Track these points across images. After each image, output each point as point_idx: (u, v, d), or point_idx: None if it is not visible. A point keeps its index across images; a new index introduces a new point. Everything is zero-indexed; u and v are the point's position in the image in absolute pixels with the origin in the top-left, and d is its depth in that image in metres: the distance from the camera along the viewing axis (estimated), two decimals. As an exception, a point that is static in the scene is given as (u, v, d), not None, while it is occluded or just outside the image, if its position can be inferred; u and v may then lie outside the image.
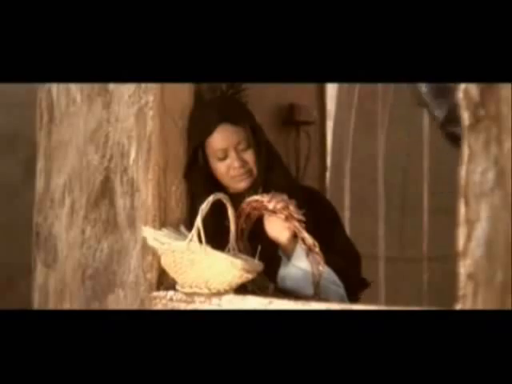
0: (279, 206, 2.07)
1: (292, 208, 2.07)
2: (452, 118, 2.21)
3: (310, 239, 2.05)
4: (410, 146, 4.32)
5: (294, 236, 2.10)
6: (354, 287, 2.21)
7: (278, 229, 2.11)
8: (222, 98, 2.40)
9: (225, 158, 2.23)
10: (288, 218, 2.07)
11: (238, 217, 2.12)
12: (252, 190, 2.21)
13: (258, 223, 2.15)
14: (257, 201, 2.10)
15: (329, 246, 2.13)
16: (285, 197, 2.09)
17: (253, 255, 2.07)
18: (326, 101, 3.65)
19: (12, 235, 4.23)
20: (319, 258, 2.05)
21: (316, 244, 2.05)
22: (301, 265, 2.08)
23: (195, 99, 2.34)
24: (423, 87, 2.23)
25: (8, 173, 4.37)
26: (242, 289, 2.01)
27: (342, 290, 2.13)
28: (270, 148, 2.33)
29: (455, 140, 2.29)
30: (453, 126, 2.22)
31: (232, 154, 2.22)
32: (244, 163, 2.22)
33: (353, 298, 2.18)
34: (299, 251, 2.09)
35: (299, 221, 2.07)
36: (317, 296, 2.06)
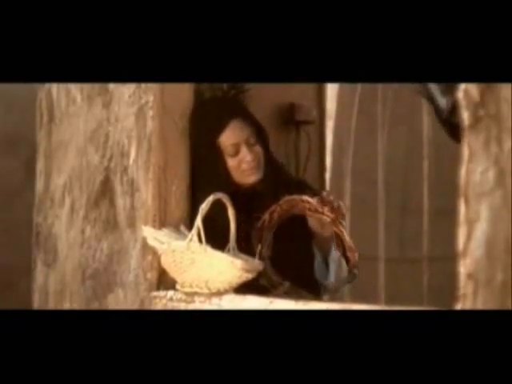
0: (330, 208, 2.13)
1: (343, 210, 2.13)
2: (457, 108, 2.20)
3: (349, 241, 2.12)
4: (411, 146, 4.31)
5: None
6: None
7: (323, 223, 2.16)
8: (229, 96, 2.42)
9: (236, 153, 2.25)
10: (335, 221, 2.12)
11: (272, 211, 2.17)
12: (263, 184, 2.24)
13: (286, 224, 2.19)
14: (303, 201, 2.15)
15: None
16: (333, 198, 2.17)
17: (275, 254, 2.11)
18: (326, 101, 3.65)
19: (12, 235, 4.22)
20: (355, 260, 2.12)
21: (353, 248, 2.12)
22: (335, 260, 2.16)
23: (195, 99, 2.34)
24: None
25: (8, 173, 4.37)
26: (242, 288, 2.01)
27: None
28: None
29: (458, 132, 2.28)
30: (458, 117, 2.20)
31: (244, 148, 2.24)
32: (255, 156, 2.25)
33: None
34: (334, 250, 2.17)
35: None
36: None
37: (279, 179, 2.30)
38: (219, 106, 2.34)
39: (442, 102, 2.20)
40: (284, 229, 2.19)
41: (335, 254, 2.21)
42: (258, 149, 2.27)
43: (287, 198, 2.17)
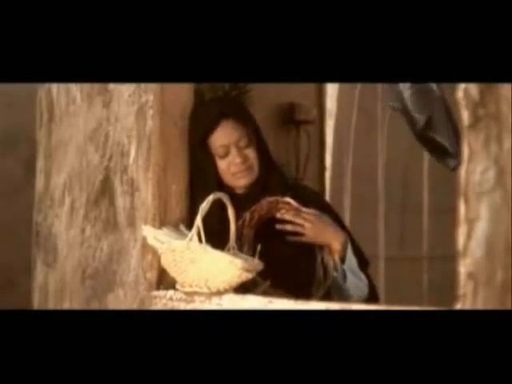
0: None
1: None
2: (432, 123, 2.24)
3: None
4: (411, 145, 4.31)
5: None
6: None
7: (330, 234, 2.15)
8: (224, 96, 2.40)
9: (226, 155, 2.22)
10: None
11: (253, 211, 2.17)
12: (255, 187, 2.22)
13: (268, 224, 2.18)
14: (284, 202, 2.16)
15: None
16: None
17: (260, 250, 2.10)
18: (326, 100, 3.66)
19: (12, 234, 4.23)
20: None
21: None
22: (354, 267, 2.17)
23: (195, 99, 2.34)
24: (406, 90, 2.26)
25: (8, 172, 4.37)
26: (241, 288, 2.01)
27: None
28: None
29: (432, 147, 2.35)
30: (432, 132, 2.26)
31: (233, 151, 2.21)
32: (245, 159, 2.22)
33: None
34: (350, 253, 2.15)
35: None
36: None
37: (276, 182, 2.26)
38: (212, 106, 2.32)
39: (419, 116, 2.22)
40: (267, 229, 2.17)
41: (351, 258, 2.17)
42: (250, 152, 2.22)
43: (268, 198, 2.17)
